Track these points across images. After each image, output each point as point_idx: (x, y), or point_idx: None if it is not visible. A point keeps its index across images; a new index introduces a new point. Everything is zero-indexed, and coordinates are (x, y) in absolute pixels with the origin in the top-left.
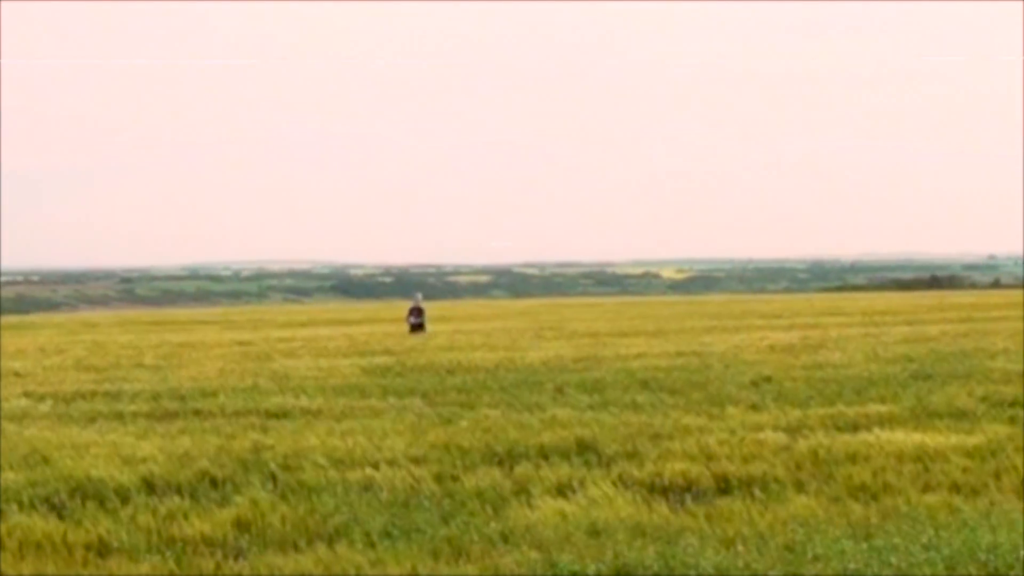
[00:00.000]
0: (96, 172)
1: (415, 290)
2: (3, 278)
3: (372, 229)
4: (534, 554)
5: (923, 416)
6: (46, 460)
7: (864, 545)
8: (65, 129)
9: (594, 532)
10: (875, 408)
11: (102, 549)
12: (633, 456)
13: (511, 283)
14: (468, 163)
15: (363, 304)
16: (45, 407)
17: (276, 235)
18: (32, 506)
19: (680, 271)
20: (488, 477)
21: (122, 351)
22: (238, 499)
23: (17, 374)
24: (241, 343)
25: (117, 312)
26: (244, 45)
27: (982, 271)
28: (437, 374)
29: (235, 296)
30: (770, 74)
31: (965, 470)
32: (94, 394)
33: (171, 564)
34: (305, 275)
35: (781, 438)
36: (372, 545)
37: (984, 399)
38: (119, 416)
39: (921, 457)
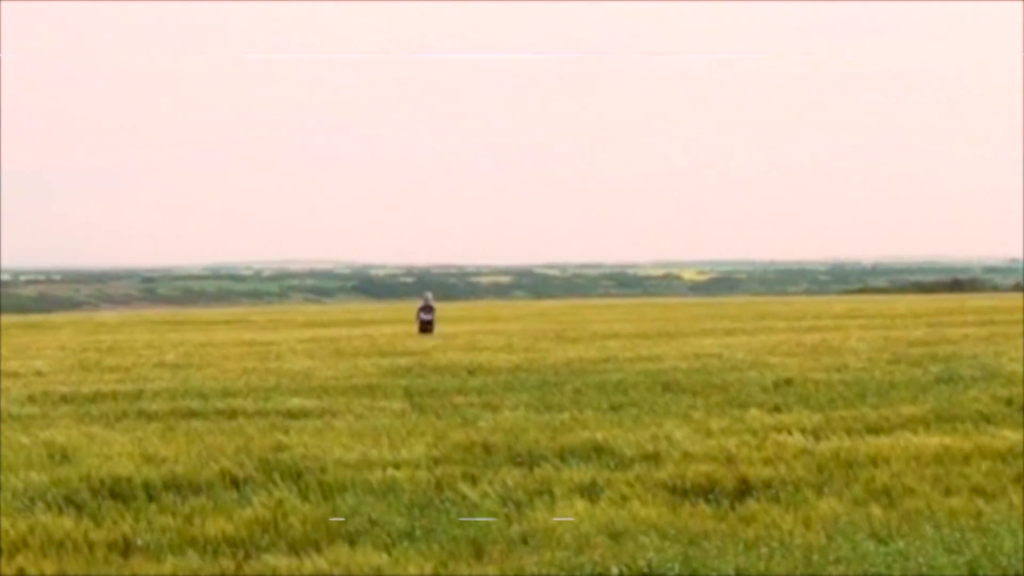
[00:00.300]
0: (119, 172)
1: (435, 290)
2: (25, 277)
3: (394, 229)
4: (556, 555)
5: (945, 419)
6: (68, 459)
7: (886, 548)
8: (88, 130)
9: (616, 534)
10: (897, 411)
11: (124, 548)
12: (654, 458)
13: (532, 284)
14: (490, 164)
15: (384, 304)
16: (67, 406)
17: (298, 235)
18: (55, 505)
19: (701, 273)
20: (509, 478)
21: (143, 351)
22: (259, 499)
23: (39, 373)
24: (262, 343)
25: (139, 311)
26: (268, 45)
27: (1003, 274)
28: (458, 375)
29: (256, 296)
30: (792, 75)
31: (987, 473)
32: (116, 393)
33: (193, 563)
34: (326, 275)
35: (803, 440)
36: (393, 546)
37: (1007, 402)
38: (141, 415)
39: (943, 460)
